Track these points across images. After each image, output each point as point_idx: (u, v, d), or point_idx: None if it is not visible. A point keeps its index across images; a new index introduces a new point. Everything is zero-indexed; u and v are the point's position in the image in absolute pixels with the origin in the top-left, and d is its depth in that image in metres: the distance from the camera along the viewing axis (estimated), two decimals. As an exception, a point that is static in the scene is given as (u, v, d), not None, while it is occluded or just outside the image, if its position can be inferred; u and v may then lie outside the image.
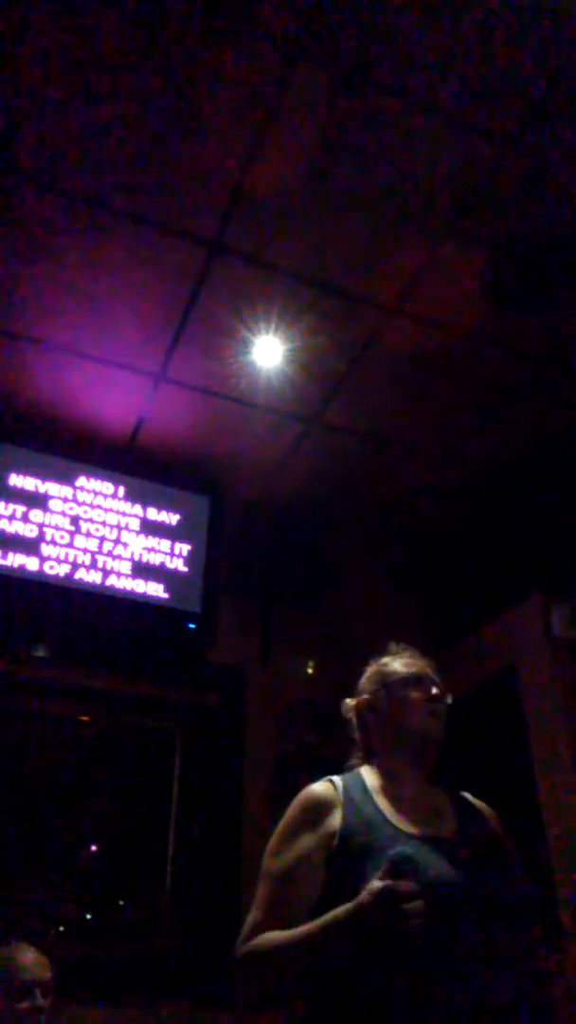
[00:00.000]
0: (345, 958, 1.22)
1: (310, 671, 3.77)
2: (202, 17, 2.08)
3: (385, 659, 1.66)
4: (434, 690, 1.55)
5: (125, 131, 2.34)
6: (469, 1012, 1.19)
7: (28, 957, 2.17)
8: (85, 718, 3.54)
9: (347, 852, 1.34)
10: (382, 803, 1.43)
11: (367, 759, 1.56)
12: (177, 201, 2.53)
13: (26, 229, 2.61)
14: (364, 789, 1.46)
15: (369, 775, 1.50)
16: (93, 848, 3.36)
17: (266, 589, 3.91)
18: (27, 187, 2.48)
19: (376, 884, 1.16)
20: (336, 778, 1.49)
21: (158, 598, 3.36)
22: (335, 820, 1.39)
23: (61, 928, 3.09)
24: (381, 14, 2.08)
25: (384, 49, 2.15)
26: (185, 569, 3.46)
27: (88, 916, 3.18)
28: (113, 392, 3.21)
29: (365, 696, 1.61)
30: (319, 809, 1.42)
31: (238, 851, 3.29)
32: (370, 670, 1.66)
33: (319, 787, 1.46)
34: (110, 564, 3.32)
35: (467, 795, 1.57)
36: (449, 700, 1.56)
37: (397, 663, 1.62)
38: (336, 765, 1.58)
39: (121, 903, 3.28)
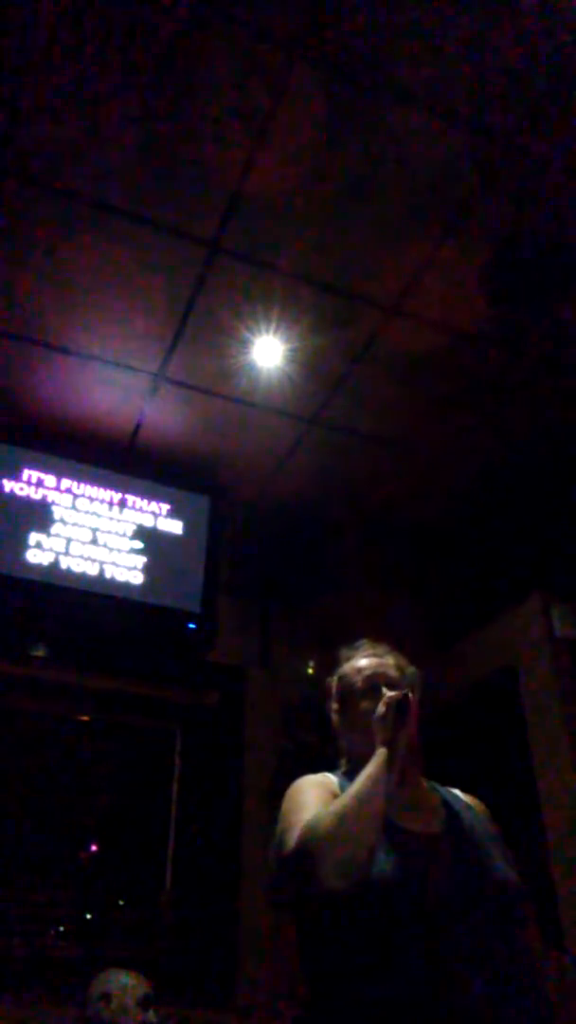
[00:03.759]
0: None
1: (310, 671, 3.76)
2: (202, 17, 2.08)
3: (343, 666, 1.62)
4: (385, 691, 1.45)
5: (125, 131, 2.35)
6: (463, 1011, 1.17)
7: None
8: (85, 718, 3.54)
9: None
10: None
11: (351, 764, 1.51)
12: (177, 201, 2.53)
13: (26, 230, 2.61)
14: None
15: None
16: (93, 848, 3.36)
17: (266, 589, 3.91)
18: (27, 188, 2.48)
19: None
20: (328, 772, 1.51)
21: (158, 598, 3.35)
22: (336, 788, 1.43)
23: (61, 928, 3.09)
24: (381, 14, 2.08)
25: (384, 49, 2.15)
26: (185, 569, 3.46)
27: (88, 916, 3.18)
28: (113, 392, 3.21)
29: (334, 712, 1.59)
30: (320, 781, 1.46)
31: (238, 851, 3.28)
32: (332, 680, 1.62)
33: (312, 775, 1.49)
34: (110, 564, 3.32)
35: (456, 791, 1.54)
36: (411, 692, 1.42)
37: (350, 670, 1.59)
38: (336, 765, 1.58)
39: (121, 903, 3.28)
